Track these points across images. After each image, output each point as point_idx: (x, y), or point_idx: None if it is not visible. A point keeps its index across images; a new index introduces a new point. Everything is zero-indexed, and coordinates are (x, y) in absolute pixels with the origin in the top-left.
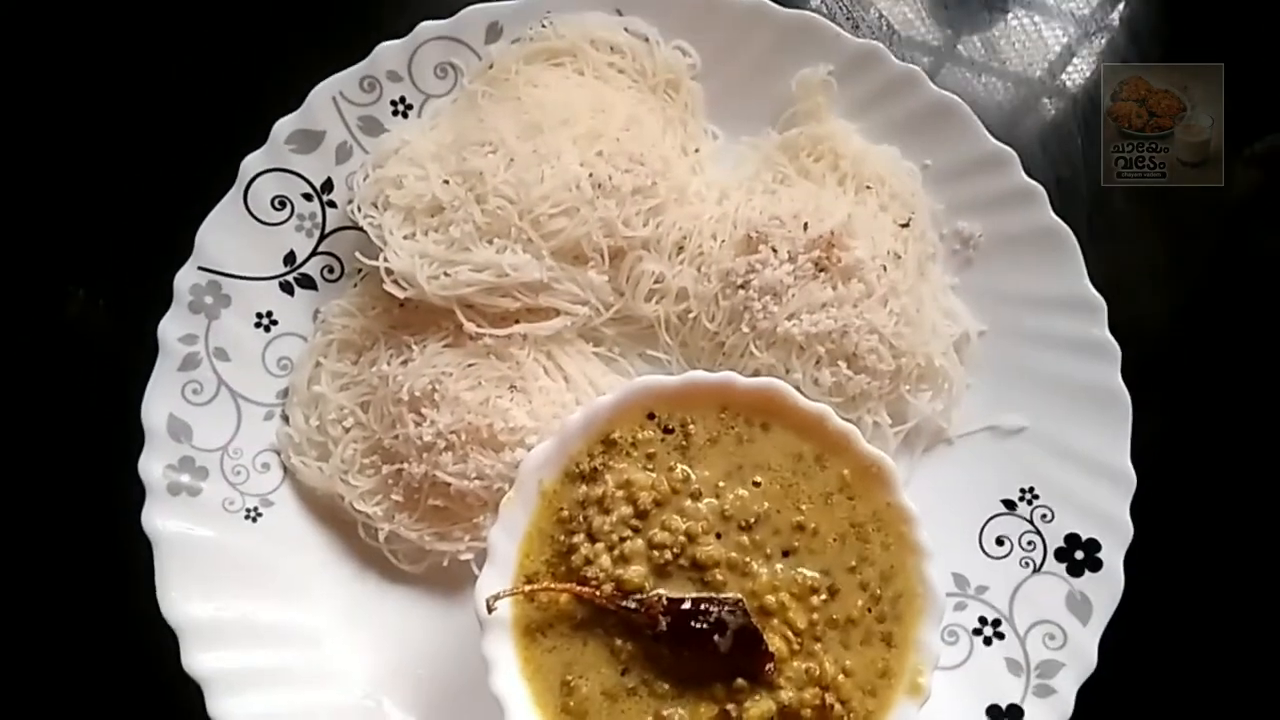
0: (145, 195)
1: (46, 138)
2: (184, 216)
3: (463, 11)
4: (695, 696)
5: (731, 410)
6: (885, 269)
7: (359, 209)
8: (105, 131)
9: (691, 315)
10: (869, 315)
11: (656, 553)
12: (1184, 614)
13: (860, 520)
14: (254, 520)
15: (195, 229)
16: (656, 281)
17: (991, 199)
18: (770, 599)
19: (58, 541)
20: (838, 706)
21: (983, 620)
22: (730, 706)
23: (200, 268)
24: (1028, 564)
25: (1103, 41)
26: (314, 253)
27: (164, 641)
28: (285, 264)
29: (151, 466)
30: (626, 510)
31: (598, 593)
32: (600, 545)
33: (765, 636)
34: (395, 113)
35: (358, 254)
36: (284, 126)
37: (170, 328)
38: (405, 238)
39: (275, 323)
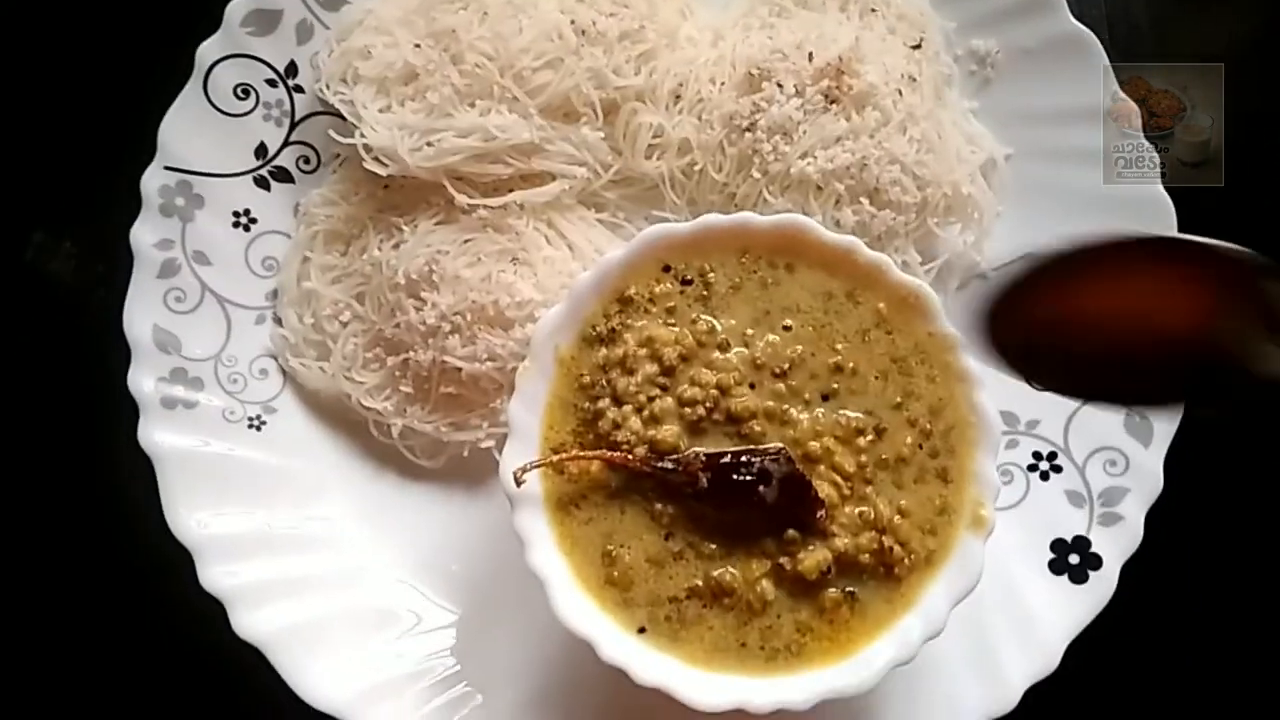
0: (95, 97)
1: None
2: (141, 116)
3: None
4: (745, 553)
5: (752, 253)
6: (900, 94)
7: (327, 86)
8: (44, 30)
9: (697, 168)
10: (888, 144)
11: (689, 409)
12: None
13: (902, 354)
14: (258, 429)
15: (155, 128)
16: (655, 135)
17: (1005, 10)
18: (814, 445)
19: (54, 481)
20: (897, 549)
21: (1037, 455)
22: (783, 560)
23: (167, 167)
24: None
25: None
26: (286, 143)
27: (176, 564)
28: (257, 157)
29: (142, 381)
30: (651, 369)
31: (630, 456)
32: (628, 408)
33: (813, 484)
34: None
35: (331, 132)
36: (238, 8)
37: (143, 233)
38: (381, 111)
39: (254, 221)
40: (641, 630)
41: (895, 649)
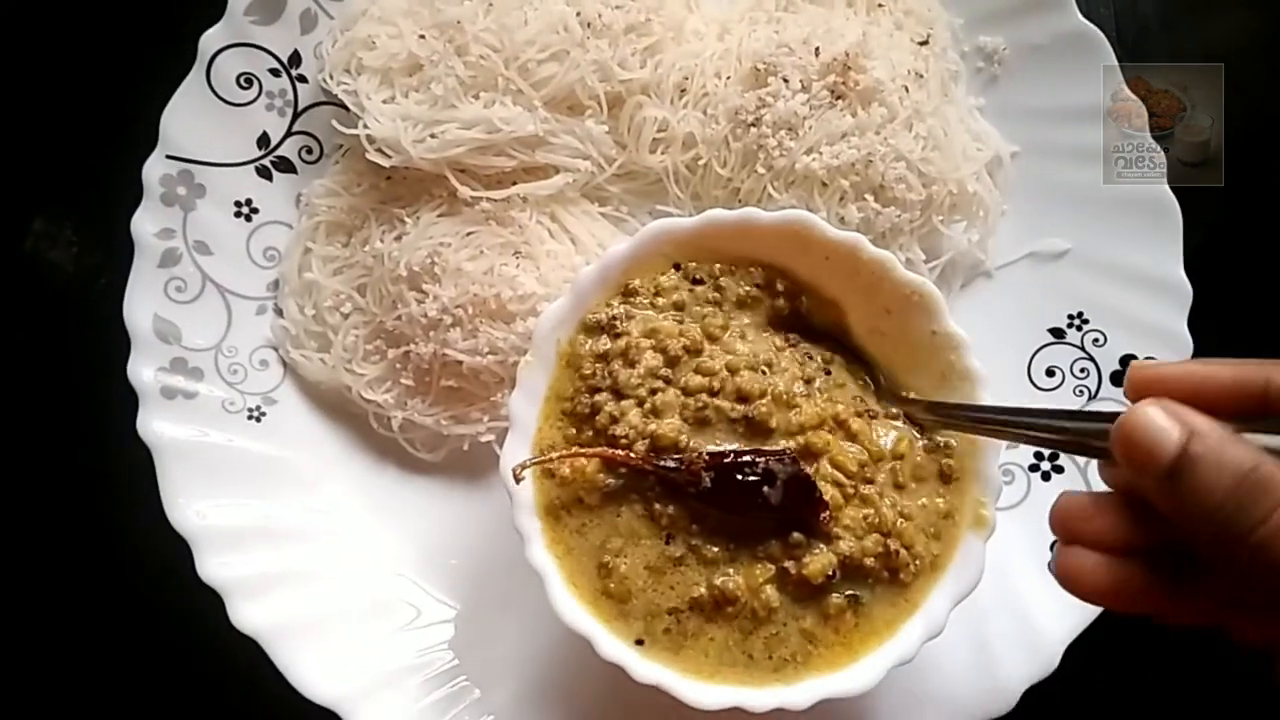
0: (96, 85)
1: None
2: (143, 104)
3: None
4: (749, 557)
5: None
6: (907, 90)
7: (330, 76)
8: (46, 18)
9: (701, 162)
10: (894, 141)
11: (692, 401)
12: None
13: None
14: (258, 420)
15: (157, 116)
16: (660, 129)
17: (1014, 7)
18: (816, 440)
19: (53, 470)
20: (903, 553)
21: (1039, 455)
22: (788, 564)
23: (169, 156)
24: (1082, 392)
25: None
26: (289, 133)
27: (174, 554)
28: (259, 147)
29: (141, 371)
30: (654, 361)
31: (631, 455)
32: (628, 401)
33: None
34: None
35: (334, 122)
36: None
37: (144, 222)
38: (384, 102)
39: (256, 211)
40: (639, 642)
41: (895, 650)
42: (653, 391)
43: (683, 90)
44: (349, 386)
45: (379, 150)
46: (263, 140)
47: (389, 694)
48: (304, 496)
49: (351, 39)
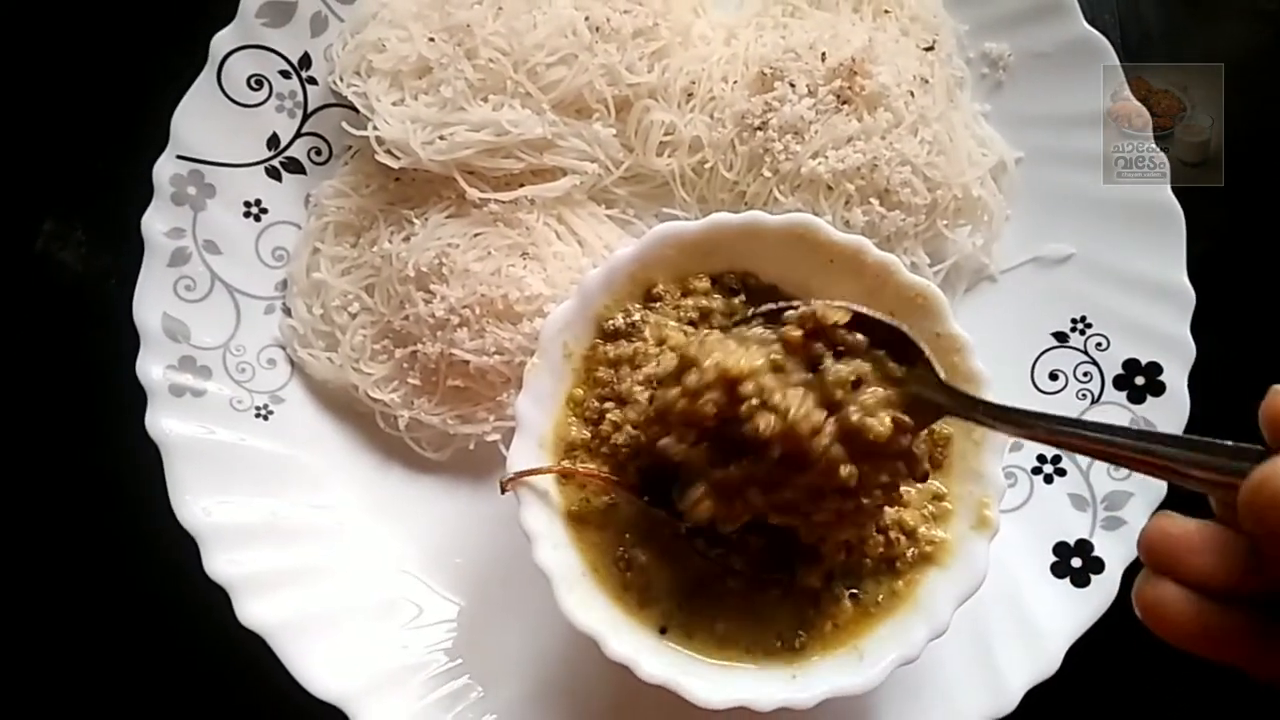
0: (108, 85)
1: None
2: (154, 105)
3: None
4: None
5: None
6: (912, 95)
7: (341, 78)
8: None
9: (708, 166)
10: (899, 145)
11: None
12: (1254, 437)
13: None
14: (265, 418)
15: (168, 117)
16: (667, 133)
17: (1019, 14)
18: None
19: (62, 467)
20: (902, 539)
21: (1041, 458)
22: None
23: (179, 156)
24: (1085, 396)
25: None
26: (298, 134)
27: (179, 553)
28: (269, 148)
29: (150, 368)
30: (655, 370)
31: (618, 480)
32: (630, 410)
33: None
34: None
35: (344, 124)
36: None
37: (155, 222)
38: (394, 104)
39: (265, 211)
40: (663, 631)
41: (899, 648)
42: (652, 401)
43: (690, 94)
44: (356, 385)
45: (388, 152)
46: (272, 141)
47: (393, 691)
48: (310, 494)
49: (362, 42)
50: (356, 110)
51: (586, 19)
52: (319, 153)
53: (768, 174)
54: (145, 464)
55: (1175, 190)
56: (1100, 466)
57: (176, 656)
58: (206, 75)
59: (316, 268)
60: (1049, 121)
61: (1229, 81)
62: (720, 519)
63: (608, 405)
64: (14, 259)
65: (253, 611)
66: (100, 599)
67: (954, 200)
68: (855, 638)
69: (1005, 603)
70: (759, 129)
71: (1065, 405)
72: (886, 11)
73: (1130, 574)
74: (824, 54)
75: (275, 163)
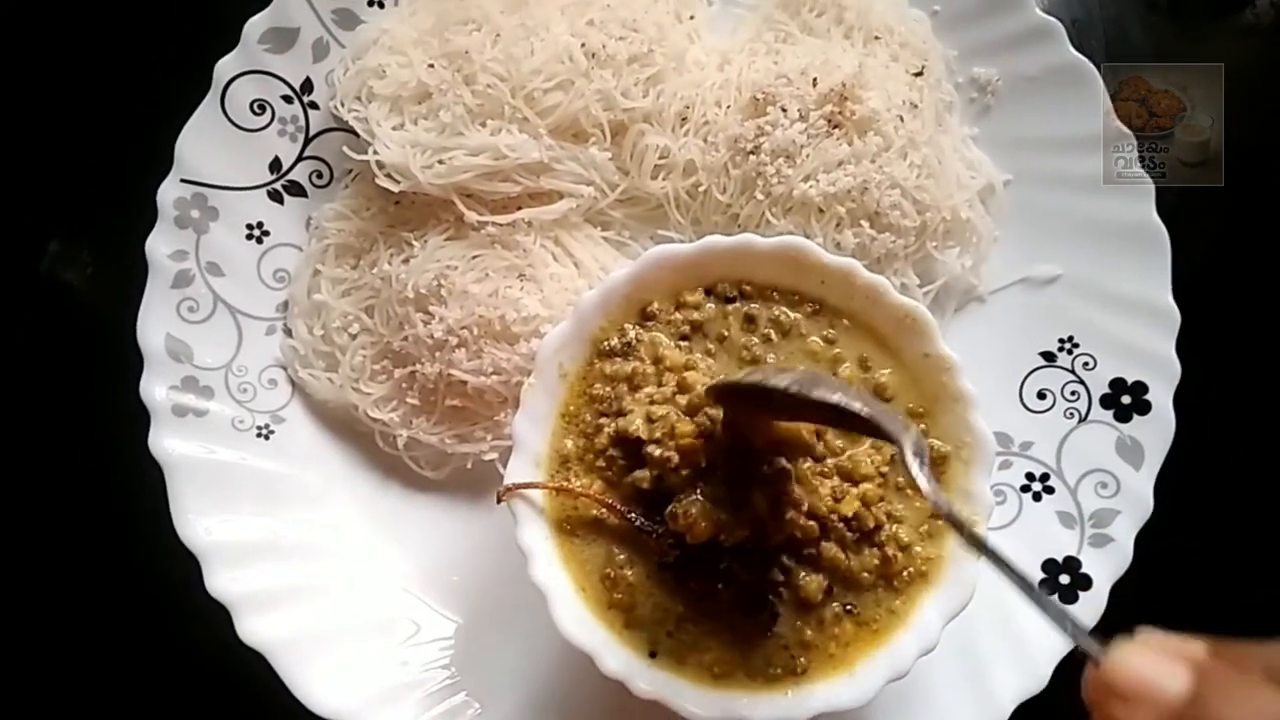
0: (113, 109)
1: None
2: (159, 129)
3: None
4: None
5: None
6: (902, 119)
7: (342, 103)
8: (65, 44)
9: (701, 189)
10: (889, 169)
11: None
12: (1239, 455)
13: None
14: (266, 438)
15: (172, 141)
16: (662, 156)
17: (1007, 40)
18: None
19: (65, 485)
20: (899, 556)
21: (1030, 476)
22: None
23: (183, 180)
24: (1072, 415)
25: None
26: (300, 157)
27: (183, 570)
28: (271, 171)
29: (153, 389)
30: (654, 390)
31: (610, 501)
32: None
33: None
34: (370, 3)
35: (346, 149)
36: (255, 26)
37: (158, 244)
38: (394, 128)
39: (267, 233)
40: (653, 655)
41: (890, 665)
42: (650, 420)
43: (684, 119)
44: (356, 405)
45: (388, 175)
46: (274, 165)
47: (392, 707)
48: (310, 513)
49: (362, 68)
50: (357, 135)
51: (583, 45)
52: (320, 176)
53: (760, 197)
54: (148, 483)
55: (1174, 190)
56: (1088, 484)
57: (178, 673)
58: (210, 100)
59: (317, 289)
60: (1037, 145)
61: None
62: (705, 531)
63: (603, 421)
64: (20, 279)
65: (253, 629)
66: (103, 616)
67: (943, 222)
68: (852, 653)
69: (994, 619)
70: (751, 153)
71: (1053, 424)
72: (877, 38)
73: (1118, 590)
74: (815, 79)
75: (277, 186)
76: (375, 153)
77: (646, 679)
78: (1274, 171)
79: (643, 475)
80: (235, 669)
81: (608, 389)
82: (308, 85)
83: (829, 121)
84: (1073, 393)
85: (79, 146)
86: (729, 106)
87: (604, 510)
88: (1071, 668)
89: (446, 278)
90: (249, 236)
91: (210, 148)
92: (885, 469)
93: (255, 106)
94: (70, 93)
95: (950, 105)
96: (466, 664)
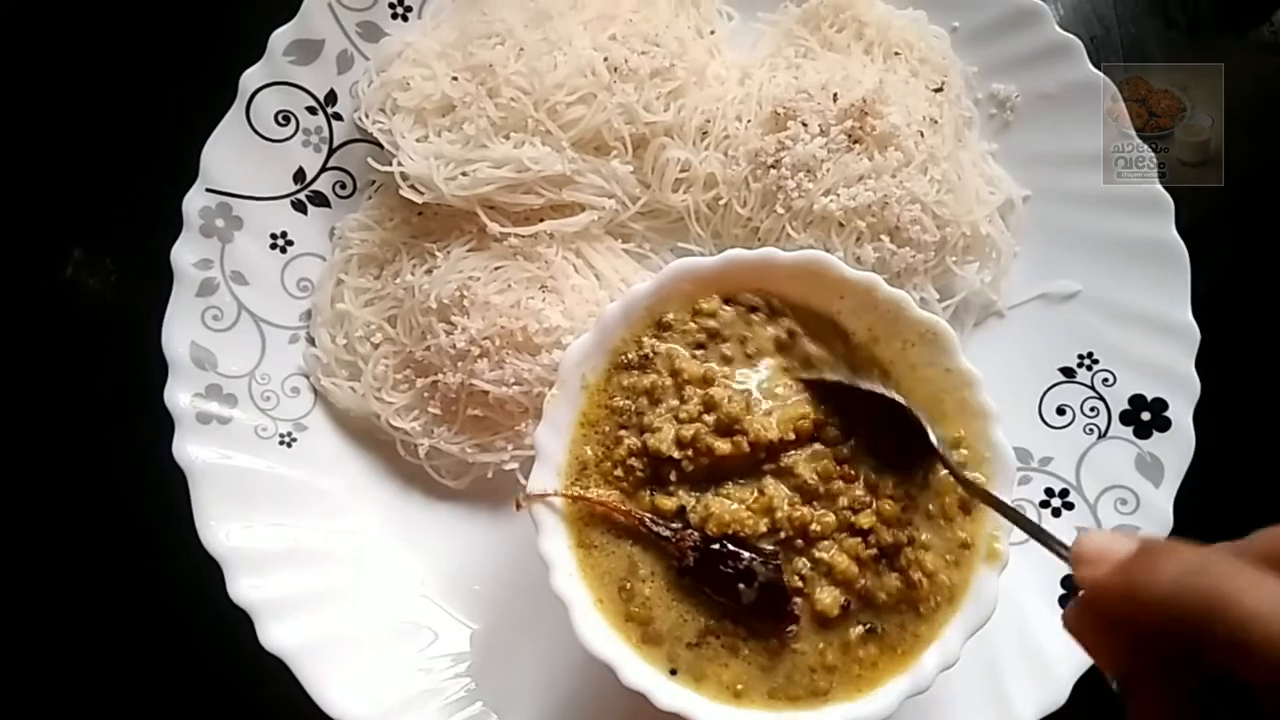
0: (140, 120)
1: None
2: (184, 139)
3: None
4: None
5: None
6: (922, 135)
7: (366, 115)
8: (92, 54)
9: (722, 202)
10: (909, 184)
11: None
12: (1259, 472)
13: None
14: (289, 446)
15: (198, 151)
16: (683, 170)
17: (1026, 57)
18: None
19: (90, 491)
20: (925, 583)
21: (1049, 492)
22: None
23: (208, 189)
24: (1092, 430)
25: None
26: (324, 168)
27: (205, 577)
28: (295, 182)
29: (178, 396)
30: (675, 402)
31: (631, 511)
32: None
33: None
34: (394, 15)
35: (370, 160)
36: (281, 38)
37: (184, 253)
38: (418, 140)
39: (291, 243)
40: (673, 672)
41: (912, 680)
42: (680, 444)
43: (705, 133)
44: (378, 414)
45: (412, 187)
46: (299, 175)
47: (412, 715)
48: (332, 520)
49: (387, 80)
50: (381, 146)
51: (605, 59)
52: (344, 187)
53: (781, 210)
54: (171, 490)
55: (1174, 190)
56: (1108, 500)
57: (199, 679)
58: (235, 111)
59: (340, 299)
60: (1056, 161)
61: (1237, 118)
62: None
63: (623, 433)
64: (44, 286)
65: (274, 635)
66: (125, 621)
67: (963, 237)
68: (877, 675)
69: (1014, 634)
70: (772, 167)
71: (1073, 440)
72: (897, 53)
73: None
74: (836, 94)
75: (301, 196)
76: (399, 164)
77: (666, 694)
78: None
79: (669, 503)
80: (256, 675)
81: (628, 402)
82: (332, 97)
83: (849, 136)
84: (1092, 409)
85: (103, 154)
86: (749, 121)
87: (622, 517)
88: (1091, 685)
89: (469, 288)
90: (273, 246)
91: (235, 158)
92: (915, 493)
93: (280, 117)
94: (95, 101)
95: (970, 121)
96: (485, 673)
